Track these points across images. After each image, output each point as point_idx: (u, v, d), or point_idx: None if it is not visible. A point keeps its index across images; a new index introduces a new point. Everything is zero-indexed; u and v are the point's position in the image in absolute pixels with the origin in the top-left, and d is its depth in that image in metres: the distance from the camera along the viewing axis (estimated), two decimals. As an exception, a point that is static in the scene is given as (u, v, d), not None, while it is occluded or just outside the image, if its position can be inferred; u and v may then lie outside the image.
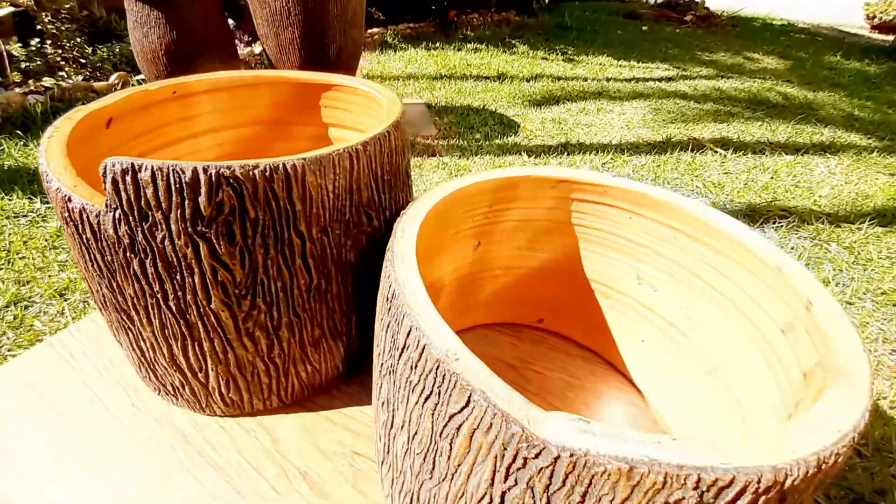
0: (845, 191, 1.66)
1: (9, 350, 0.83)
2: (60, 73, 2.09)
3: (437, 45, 3.28)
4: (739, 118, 2.28)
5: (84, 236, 0.53)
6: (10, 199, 1.22)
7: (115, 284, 0.55)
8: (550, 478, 0.31)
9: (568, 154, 1.76)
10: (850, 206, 1.56)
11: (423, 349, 0.37)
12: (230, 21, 2.82)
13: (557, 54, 3.30)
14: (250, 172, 0.49)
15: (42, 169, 0.55)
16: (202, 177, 0.47)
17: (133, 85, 1.98)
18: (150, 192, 0.47)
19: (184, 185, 0.47)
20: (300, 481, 0.61)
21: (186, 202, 0.48)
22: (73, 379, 0.73)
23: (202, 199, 0.48)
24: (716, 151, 1.88)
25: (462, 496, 0.38)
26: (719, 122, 2.21)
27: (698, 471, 0.28)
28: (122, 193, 0.48)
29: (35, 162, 1.42)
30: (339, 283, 0.62)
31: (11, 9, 1.96)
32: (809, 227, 1.41)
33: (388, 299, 0.44)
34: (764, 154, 1.91)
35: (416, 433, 0.41)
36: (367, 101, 0.83)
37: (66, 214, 0.52)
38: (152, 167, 0.47)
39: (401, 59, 2.89)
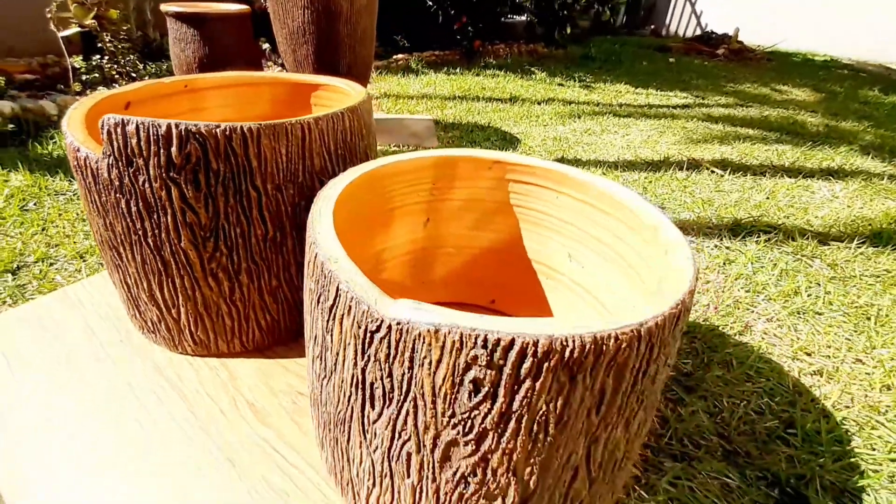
0: (843, 213, 1.65)
1: (31, 295, 0.97)
2: (114, 85, 2.36)
3: (458, 70, 3.47)
4: (746, 141, 2.29)
5: (87, 180, 0.65)
6: (53, 180, 1.41)
7: (108, 223, 0.67)
8: (388, 347, 0.39)
9: (562, 167, 1.83)
10: (846, 227, 1.56)
11: (316, 256, 0.46)
12: (266, 45, 3.10)
13: (575, 81, 3.42)
14: (213, 131, 0.60)
15: (63, 128, 0.68)
16: (174, 131, 0.59)
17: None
18: (134, 141, 0.59)
19: (160, 136, 0.59)
20: (247, 410, 0.70)
21: (162, 151, 0.59)
22: (76, 320, 0.85)
23: (174, 150, 0.60)
24: (713, 171, 1.91)
25: (342, 384, 0.46)
26: (723, 145, 2.23)
27: (486, 332, 0.35)
28: (114, 143, 0.60)
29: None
30: (294, 239, 0.72)
31: (79, 29, 2.26)
32: (794, 243, 1.42)
33: (308, 230, 0.53)
34: (764, 176, 1.92)
35: (315, 336, 0.49)
36: (344, 96, 0.95)
37: (76, 163, 0.65)
38: (136, 122, 0.59)
39: (420, 82, 3.08)
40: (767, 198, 1.73)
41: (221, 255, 0.68)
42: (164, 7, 1.70)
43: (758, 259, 1.31)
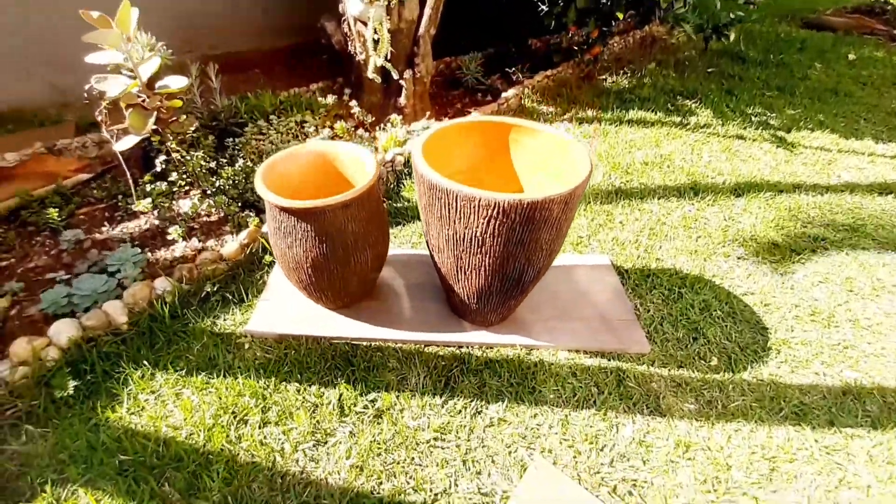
0: None
1: None
2: (184, 204, 1.86)
3: (587, 108, 2.67)
4: None
5: None
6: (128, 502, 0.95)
7: None
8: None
9: None
10: None
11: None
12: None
13: (755, 127, 2.52)
14: None
15: None
16: None
17: (263, 243, 1.66)
18: None
19: None
20: None
21: None
22: None
23: None
24: None
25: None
26: None
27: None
28: None
29: (164, 414, 1.14)
30: None
31: (137, 139, 1.72)
32: None
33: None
34: None
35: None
36: None
37: None
38: None
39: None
40: None
41: None
42: (262, 192, 1.11)
43: None
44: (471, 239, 1.02)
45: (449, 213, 1.01)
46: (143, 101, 1.71)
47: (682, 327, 1.41)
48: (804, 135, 2.48)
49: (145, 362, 1.25)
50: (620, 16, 2.57)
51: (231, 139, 2.13)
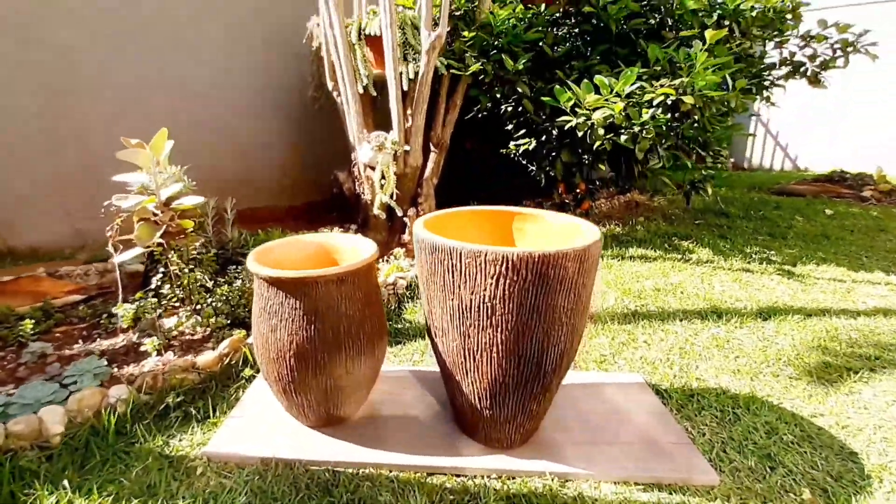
0: None
1: None
2: (168, 321, 1.74)
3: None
4: None
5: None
6: None
7: None
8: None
9: None
10: None
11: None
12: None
13: (758, 262, 2.54)
14: None
15: None
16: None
17: (246, 353, 1.50)
18: None
19: None
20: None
21: None
22: None
23: None
24: None
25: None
26: None
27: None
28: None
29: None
30: None
31: (140, 251, 1.71)
32: None
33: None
34: None
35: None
36: None
37: None
38: None
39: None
40: None
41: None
42: (252, 266, 1.04)
43: None
44: (478, 307, 0.89)
45: (453, 277, 0.89)
46: (157, 217, 1.77)
47: (750, 454, 1.12)
48: (811, 268, 2.46)
49: (66, 485, 0.96)
50: (602, 168, 2.84)
51: (234, 266, 2.13)
